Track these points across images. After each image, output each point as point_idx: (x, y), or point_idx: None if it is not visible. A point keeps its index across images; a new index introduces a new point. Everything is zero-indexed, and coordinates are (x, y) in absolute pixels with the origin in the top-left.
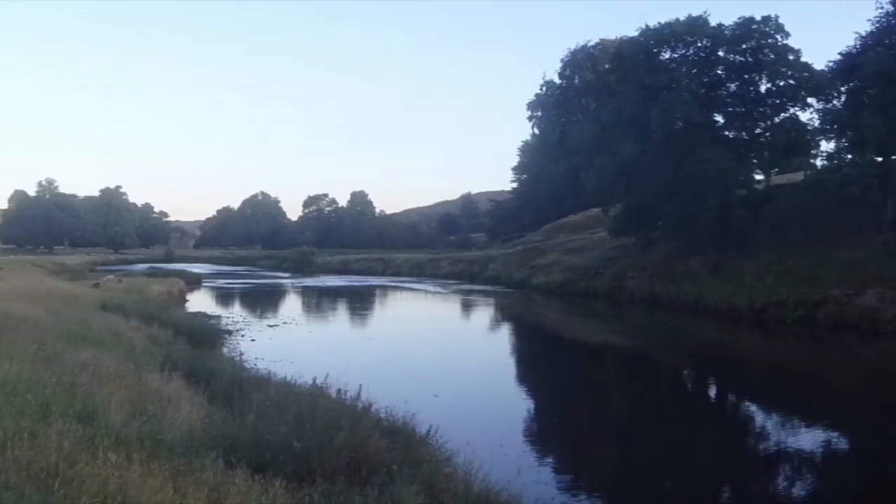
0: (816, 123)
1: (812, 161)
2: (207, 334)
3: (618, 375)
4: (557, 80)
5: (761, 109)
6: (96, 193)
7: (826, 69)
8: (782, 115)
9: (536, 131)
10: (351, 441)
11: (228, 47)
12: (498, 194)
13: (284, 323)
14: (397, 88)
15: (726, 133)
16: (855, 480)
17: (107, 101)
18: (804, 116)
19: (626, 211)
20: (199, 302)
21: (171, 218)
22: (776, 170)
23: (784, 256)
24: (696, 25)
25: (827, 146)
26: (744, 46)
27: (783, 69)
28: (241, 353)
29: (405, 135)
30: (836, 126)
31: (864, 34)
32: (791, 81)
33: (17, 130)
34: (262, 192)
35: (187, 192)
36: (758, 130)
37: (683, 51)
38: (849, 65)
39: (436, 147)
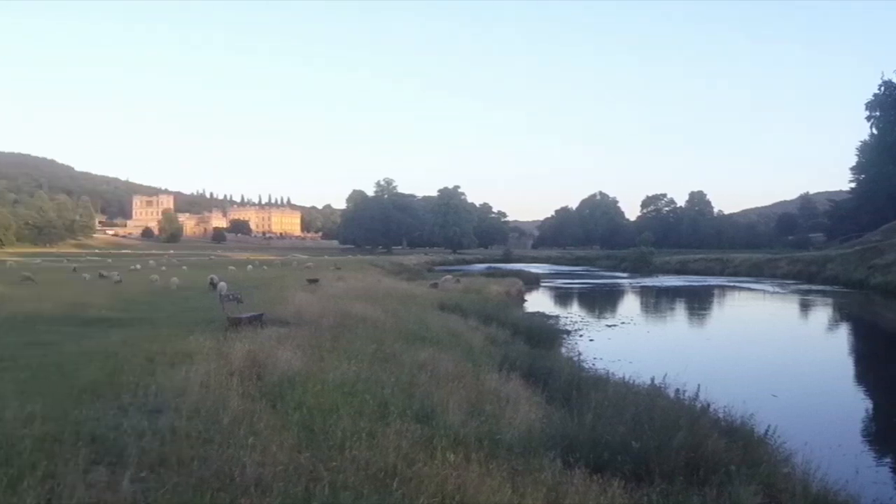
0: None
1: None
2: (545, 334)
3: None
4: None
5: None
6: (434, 193)
7: None
8: None
9: (875, 131)
10: (689, 441)
11: (562, 48)
12: (836, 194)
13: (622, 323)
14: (743, 88)
15: None
16: None
17: (445, 101)
18: None
19: None
20: (538, 302)
21: (509, 218)
22: None
23: None
24: None
25: None
26: None
27: None
28: (579, 353)
29: (744, 135)
30: None
31: None
32: None
33: (357, 130)
34: (601, 192)
35: (524, 192)
36: None
37: None
38: None
39: (775, 147)
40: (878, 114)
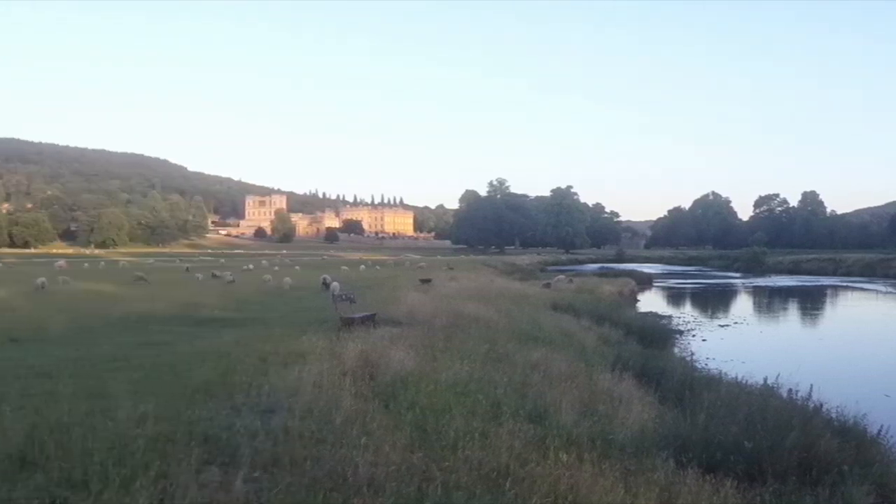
0: None
1: None
2: (658, 334)
3: None
4: None
5: None
6: (547, 193)
7: None
8: None
9: None
10: (802, 441)
11: (674, 48)
12: None
13: (735, 323)
14: (855, 88)
15: None
16: None
17: (557, 101)
18: None
19: None
20: (650, 302)
21: (622, 218)
22: None
23: None
24: None
25: None
26: None
27: None
28: (692, 354)
29: (856, 134)
30: None
31: None
32: None
33: (470, 130)
34: (713, 192)
35: (637, 192)
36: None
37: None
38: None
39: (888, 146)
40: None
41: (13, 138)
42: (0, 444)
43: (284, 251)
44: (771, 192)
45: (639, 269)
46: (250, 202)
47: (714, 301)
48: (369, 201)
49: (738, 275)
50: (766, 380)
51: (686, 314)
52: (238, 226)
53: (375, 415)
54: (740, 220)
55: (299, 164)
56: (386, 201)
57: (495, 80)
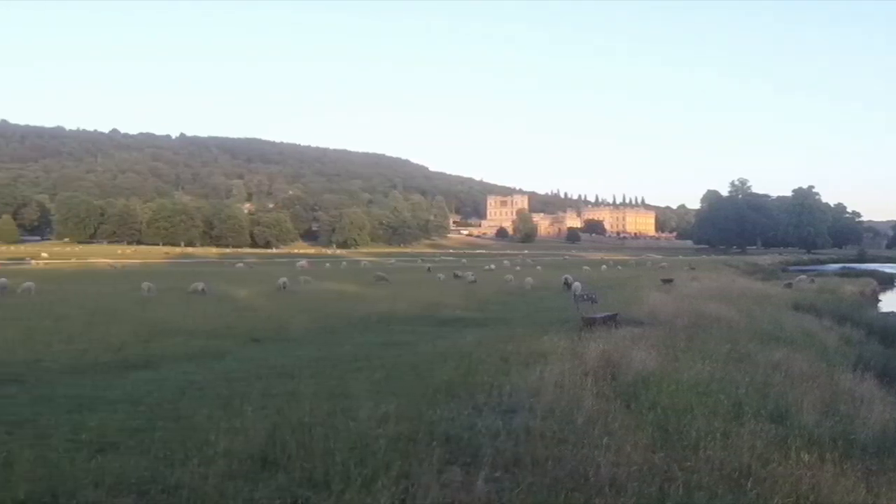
0: None
1: None
2: None
3: None
4: None
5: None
6: (788, 193)
7: None
8: None
9: None
10: None
11: None
12: None
13: None
14: None
15: None
16: None
17: (800, 101)
18: None
19: None
20: (893, 302)
21: (863, 218)
22: None
23: None
24: None
25: None
26: None
27: None
28: None
29: None
30: None
31: None
32: None
33: (712, 131)
34: None
35: (879, 192)
36: None
37: None
38: None
39: None
40: None
41: (255, 139)
42: (242, 445)
43: (526, 251)
44: None
45: (880, 269)
46: (492, 202)
47: None
48: (611, 201)
49: None
50: None
51: None
52: (479, 226)
53: (617, 414)
54: None
55: (541, 164)
56: (627, 201)
57: (737, 81)
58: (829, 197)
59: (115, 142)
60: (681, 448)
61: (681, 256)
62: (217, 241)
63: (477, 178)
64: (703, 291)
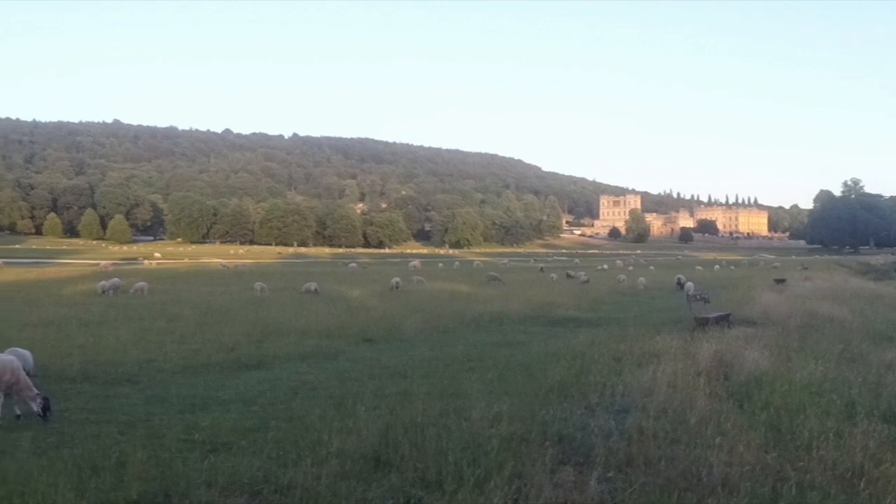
0: None
1: None
2: None
3: None
4: None
5: None
6: None
7: None
8: None
9: None
10: None
11: None
12: None
13: None
14: None
15: None
16: None
17: None
18: None
19: None
20: None
21: None
22: None
23: None
24: None
25: None
26: None
27: None
28: None
29: None
30: None
31: None
32: None
33: (825, 130)
34: None
35: None
36: None
37: None
38: None
39: None
40: None
41: (368, 139)
42: (355, 445)
43: (639, 251)
44: None
45: None
46: (604, 202)
47: None
48: (723, 201)
49: None
50: None
51: None
52: (592, 226)
53: (729, 414)
54: None
55: (653, 164)
56: (740, 201)
57: (851, 81)
58: None
59: (227, 142)
60: (793, 448)
61: (793, 256)
62: (330, 241)
63: (589, 178)
64: (815, 291)
